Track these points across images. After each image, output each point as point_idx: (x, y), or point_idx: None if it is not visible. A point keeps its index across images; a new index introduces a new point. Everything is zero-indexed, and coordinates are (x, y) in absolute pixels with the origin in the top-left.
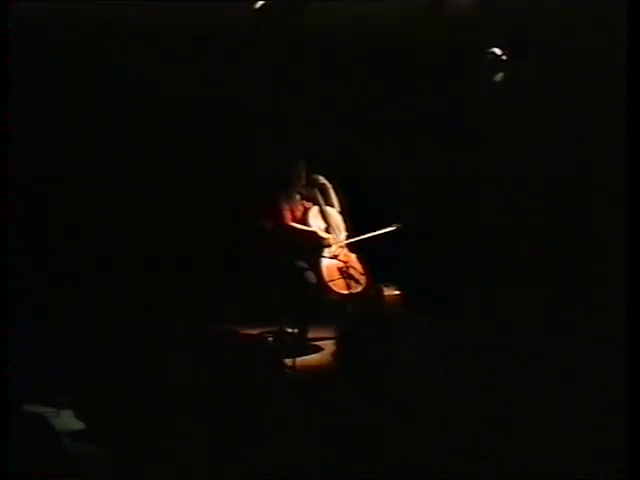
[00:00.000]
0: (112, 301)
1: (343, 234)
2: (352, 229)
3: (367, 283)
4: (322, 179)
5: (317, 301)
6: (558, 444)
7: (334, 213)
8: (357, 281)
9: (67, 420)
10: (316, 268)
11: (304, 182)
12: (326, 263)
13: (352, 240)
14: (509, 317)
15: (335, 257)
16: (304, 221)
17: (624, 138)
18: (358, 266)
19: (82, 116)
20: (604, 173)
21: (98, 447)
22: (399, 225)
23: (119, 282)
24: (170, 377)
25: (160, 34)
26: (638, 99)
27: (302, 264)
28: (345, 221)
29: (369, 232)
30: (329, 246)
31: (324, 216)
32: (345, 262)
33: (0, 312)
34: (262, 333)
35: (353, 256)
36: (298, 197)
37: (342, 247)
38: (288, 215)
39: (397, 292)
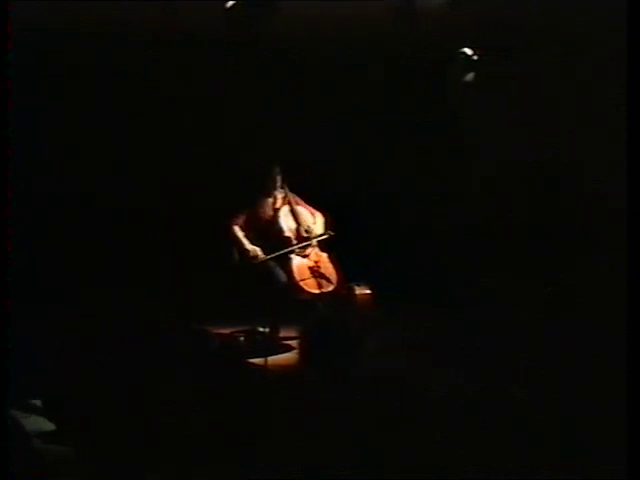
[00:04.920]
0: (85, 303)
1: (315, 234)
2: (328, 229)
3: (338, 282)
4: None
5: (288, 300)
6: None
7: (305, 213)
8: (328, 280)
9: (38, 422)
10: (287, 267)
11: (279, 185)
12: (297, 262)
13: (276, 254)
14: (481, 315)
15: (306, 257)
16: (274, 221)
17: (624, 140)
18: (329, 265)
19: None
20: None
21: (70, 448)
22: (332, 232)
23: (91, 284)
24: (145, 377)
25: (130, 34)
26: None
27: (273, 263)
28: (326, 221)
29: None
30: (254, 258)
31: (295, 216)
32: (316, 261)
33: None
34: (233, 332)
35: (324, 255)
36: (271, 200)
37: (313, 246)
38: (239, 220)
39: (368, 291)
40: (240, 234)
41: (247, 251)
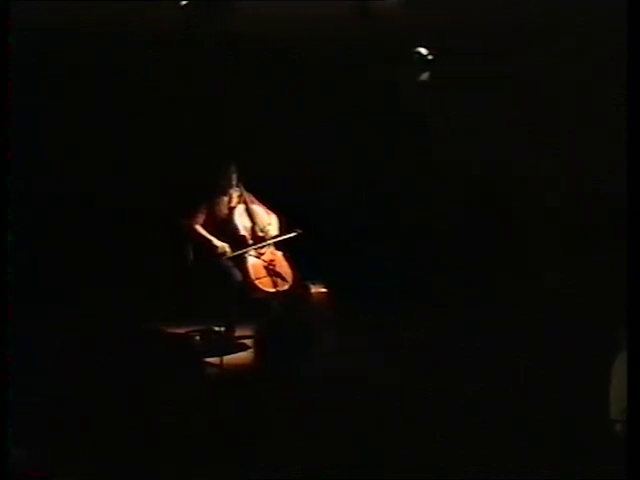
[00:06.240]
0: (40, 302)
1: (270, 234)
2: (284, 228)
3: (294, 281)
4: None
5: (244, 299)
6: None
7: (261, 212)
8: (284, 279)
9: None
10: (242, 266)
11: (234, 183)
12: (252, 261)
13: (239, 252)
14: (435, 314)
15: (261, 255)
16: (229, 220)
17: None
18: (285, 264)
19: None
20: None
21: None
22: (299, 231)
23: (43, 283)
24: (101, 377)
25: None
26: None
27: (228, 263)
28: (280, 221)
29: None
30: (223, 254)
31: (250, 215)
32: (271, 260)
33: None
34: (189, 332)
35: (279, 254)
36: (226, 198)
37: (268, 245)
38: (199, 219)
39: (324, 290)
40: (204, 232)
41: (215, 247)
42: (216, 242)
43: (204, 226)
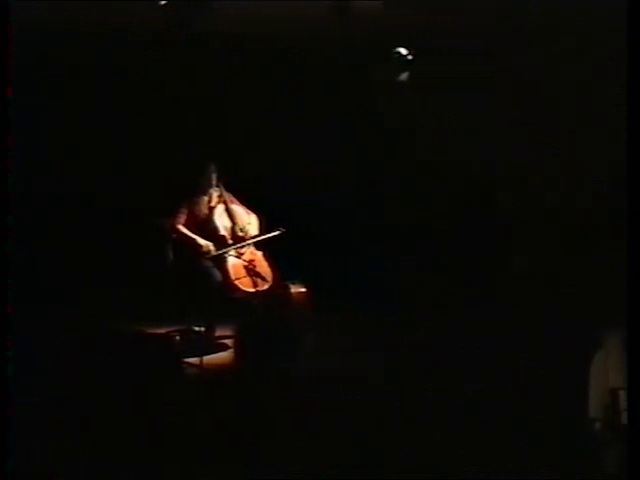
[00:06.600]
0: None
1: (250, 233)
2: (264, 228)
3: (274, 281)
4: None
5: (224, 299)
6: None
7: (241, 212)
8: (264, 279)
9: None
10: (222, 266)
11: (214, 183)
12: (232, 261)
13: (220, 252)
14: (414, 313)
15: (241, 255)
16: (209, 220)
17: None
18: (264, 264)
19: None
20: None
21: None
22: (283, 229)
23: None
24: (79, 377)
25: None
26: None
27: (208, 263)
28: (260, 221)
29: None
30: (207, 253)
31: (230, 215)
32: (251, 260)
33: None
34: (169, 332)
35: (259, 254)
36: (206, 198)
37: (248, 245)
38: (181, 219)
39: (304, 289)
40: (188, 231)
41: (199, 247)
42: (200, 241)
43: (185, 226)
